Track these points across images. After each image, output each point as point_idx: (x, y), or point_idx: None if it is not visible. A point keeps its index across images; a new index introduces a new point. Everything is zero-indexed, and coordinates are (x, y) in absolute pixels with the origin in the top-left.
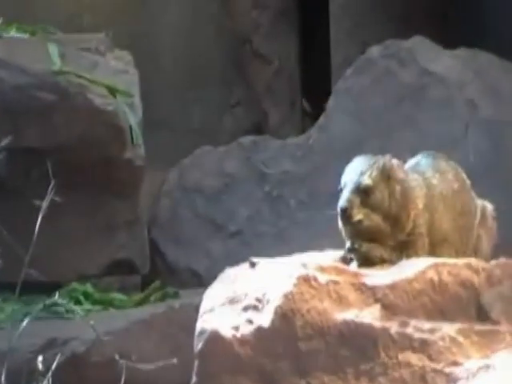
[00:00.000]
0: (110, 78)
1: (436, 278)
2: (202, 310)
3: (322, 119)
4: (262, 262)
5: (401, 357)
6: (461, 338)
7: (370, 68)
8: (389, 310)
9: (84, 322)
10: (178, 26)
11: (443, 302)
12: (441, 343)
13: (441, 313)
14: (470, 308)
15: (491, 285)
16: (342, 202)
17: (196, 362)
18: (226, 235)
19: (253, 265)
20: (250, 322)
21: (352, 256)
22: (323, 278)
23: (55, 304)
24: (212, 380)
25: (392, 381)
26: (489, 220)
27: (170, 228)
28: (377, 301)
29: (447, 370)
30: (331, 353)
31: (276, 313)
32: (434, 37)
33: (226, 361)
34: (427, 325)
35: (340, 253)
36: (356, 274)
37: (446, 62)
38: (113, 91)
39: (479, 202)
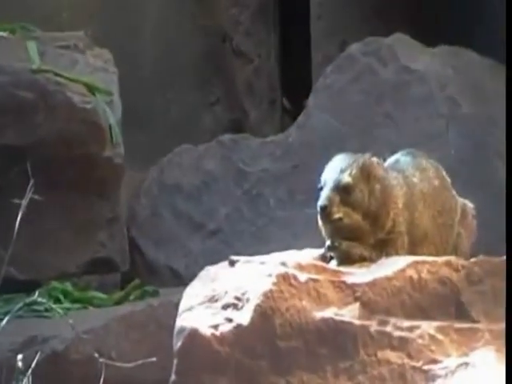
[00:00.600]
0: (90, 76)
1: (415, 276)
2: (181, 308)
3: (301, 117)
4: (242, 261)
5: (380, 355)
6: (440, 336)
7: (350, 65)
8: (368, 308)
9: (63, 320)
10: (158, 24)
11: (422, 300)
12: (420, 341)
13: (420, 311)
14: (450, 306)
15: (471, 283)
16: (322, 200)
17: (175, 361)
18: (206, 234)
19: (232, 263)
20: (230, 320)
21: (332, 254)
22: (302, 277)
23: (35, 303)
24: (191, 378)
25: (371, 379)
26: (469, 218)
27: (149, 226)
28: (356, 299)
29: (426, 367)
30: (310, 351)
31: (255, 311)
32: (414, 34)
33: (205, 359)
34: (406, 323)
35: (319, 251)
36: (335, 273)
37: (426, 60)
38: (92, 89)
39: (459, 200)
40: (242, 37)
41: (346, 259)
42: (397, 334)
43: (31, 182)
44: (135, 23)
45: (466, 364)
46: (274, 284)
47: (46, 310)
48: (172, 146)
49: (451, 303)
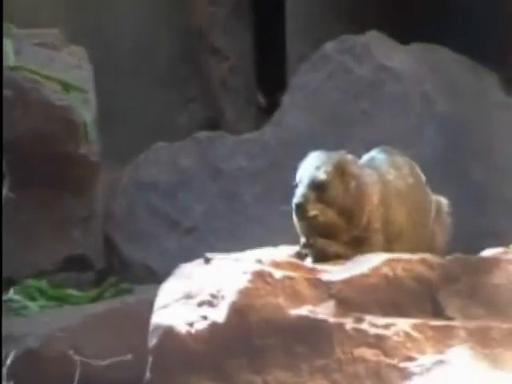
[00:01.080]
0: (65, 73)
1: (391, 274)
2: (156, 305)
3: (277, 115)
4: (217, 258)
5: (356, 352)
6: (415, 334)
7: (326, 63)
8: (344, 305)
9: (39, 317)
10: (134, 21)
11: (398, 298)
12: (395, 338)
13: (396, 308)
14: (425, 303)
15: (446, 280)
16: (297, 197)
17: (150, 358)
18: (181, 231)
19: (207, 261)
20: (205, 317)
21: (307, 251)
22: (278, 274)
23: (10, 300)
24: (166, 376)
25: (347, 376)
26: (443, 215)
27: (125, 224)
28: (331, 296)
29: (402, 365)
30: (286, 349)
31: (231, 309)
32: (388, 32)
33: (180, 357)
34: (382, 320)
35: (295, 248)
36: (311, 270)
37: (401, 58)
38: (67, 87)
39: (434, 198)
40: (217, 35)
41: (321, 256)
42: (372, 331)
43: (7, 179)
44: (111, 20)
45: (442, 361)
46: (250, 281)
47: (22, 308)
48: (148, 143)
49: (427, 300)
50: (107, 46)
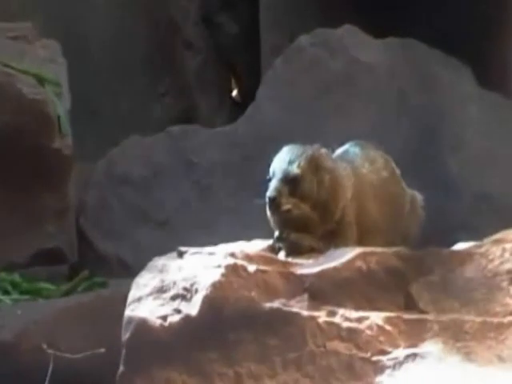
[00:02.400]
0: (38, 67)
1: (364, 267)
2: (129, 299)
3: (251, 108)
4: (190, 252)
5: (328, 345)
6: (388, 327)
7: (300, 57)
8: (317, 298)
9: (12, 311)
10: (107, 15)
11: (371, 291)
12: (368, 332)
13: (369, 301)
14: (398, 297)
15: (420, 274)
16: (271, 191)
17: (123, 351)
18: (155, 225)
19: (181, 254)
20: (178, 311)
21: (280, 245)
22: (251, 268)
23: None
24: (139, 369)
25: (320, 369)
26: (418, 209)
27: (98, 218)
28: (305, 290)
29: (375, 358)
30: (259, 341)
31: (204, 302)
32: (363, 26)
33: (154, 350)
34: (355, 314)
35: (268, 242)
36: (284, 263)
37: (375, 51)
38: (41, 80)
39: (408, 191)
40: (191, 28)
41: (295, 250)
42: (345, 324)
43: None
44: (84, 14)
45: (415, 355)
46: (223, 275)
47: None
48: (121, 137)
49: (400, 294)
50: (81, 39)
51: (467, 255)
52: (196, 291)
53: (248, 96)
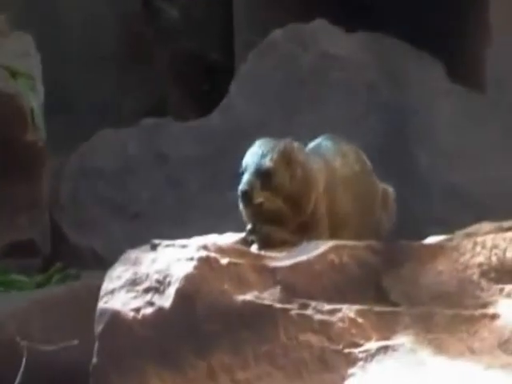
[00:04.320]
0: (11, 60)
1: (336, 260)
2: (102, 291)
3: (224, 102)
4: (164, 244)
5: (301, 338)
6: (360, 320)
7: (273, 51)
8: (289, 291)
9: None
10: (80, 7)
11: (343, 284)
12: (340, 324)
13: (341, 294)
14: (370, 290)
15: (391, 267)
16: (243, 184)
17: (96, 344)
18: (128, 217)
19: (154, 247)
20: (151, 303)
21: (253, 238)
22: (224, 260)
23: None
24: (112, 361)
25: (292, 361)
26: (389, 202)
27: (71, 210)
28: (277, 282)
29: (347, 350)
30: (231, 334)
31: (177, 295)
32: (335, 20)
33: (127, 342)
34: (327, 306)
35: (241, 235)
36: (257, 256)
37: (347, 46)
38: (14, 74)
39: (380, 185)
40: (163, 22)
41: (267, 243)
42: (317, 317)
43: None
44: (57, 7)
45: (387, 347)
46: (196, 267)
47: None
48: (94, 130)
49: (371, 287)
50: (53, 32)
51: (438, 248)
52: (169, 284)
53: (220, 90)
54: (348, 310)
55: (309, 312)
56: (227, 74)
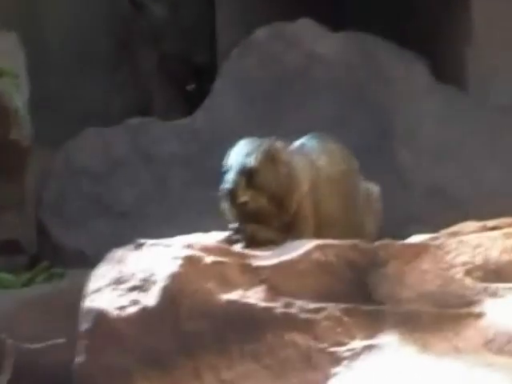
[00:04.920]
0: None
1: (321, 259)
2: (88, 290)
3: (207, 101)
4: (148, 243)
5: (286, 337)
6: (345, 318)
7: (256, 50)
8: (274, 290)
9: None
10: (66, 6)
11: (328, 283)
12: (325, 323)
13: (326, 293)
14: (355, 288)
15: (376, 266)
16: (228, 183)
17: (82, 342)
18: (113, 216)
19: (139, 246)
20: (136, 302)
21: (237, 237)
22: (208, 259)
23: None
24: (97, 359)
25: (278, 360)
26: (374, 201)
27: (57, 209)
28: (262, 281)
29: (332, 349)
30: (216, 333)
31: (162, 293)
32: (319, 19)
33: (111, 340)
34: (312, 305)
35: (225, 234)
36: (241, 255)
37: (332, 45)
38: None
39: (365, 184)
40: (149, 21)
41: (252, 242)
42: (302, 316)
43: None
44: (43, 5)
45: (371, 346)
46: (181, 266)
47: None
48: (80, 129)
49: (357, 286)
50: (39, 31)
51: (423, 247)
52: (154, 283)
53: (205, 89)
54: (333, 309)
55: (293, 311)
56: (212, 73)
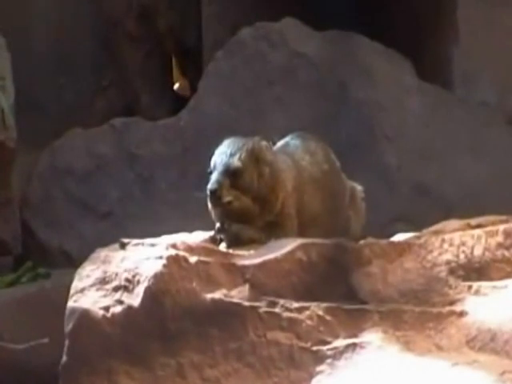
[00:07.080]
0: None
1: (305, 258)
2: (72, 290)
3: (192, 101)
4: (132, 243)
5: (269, 335)
6: (329, 317)
7: (241, 50)
8: (257, 289)
9: None
10: (51, 8)
11: (312, 282)
12: (309, 322)
13: (309, 292)
14: (339, 287)
15: (359, 265)
16: (212, 183)
17: (66, 342)
18: (97, 216)
19: (123, 246)
20: (120, 302)
21: (221, 236)
22: (193, 259)
23: None
24: (82, 359)
25: (260, 359)
26: (358, 201)
27: (41, 209)
28: (246, 281)
29: (315, 348)
30: (200, 332)
31: (146, 293)
32: (303, 19)
33: (96, 341)
34: (295, 304)
35: (210, 233)
36: (225, 255)
37: (316, 44)
38: None
39: (348, 183)
40: (134, 22)
41: (236, 241)
42: (286, 315)
43: None
44: (28, 8)
45: (355, 345)
46: (165, 266)
47: None
48: (65, 130)
49: (340, 284)
50: (24, 32)
51: (406, 246)
52: (138, 282)
53: (190, 88)
54: (316, 308)
55: (277, 310)
56: (198, 73)
